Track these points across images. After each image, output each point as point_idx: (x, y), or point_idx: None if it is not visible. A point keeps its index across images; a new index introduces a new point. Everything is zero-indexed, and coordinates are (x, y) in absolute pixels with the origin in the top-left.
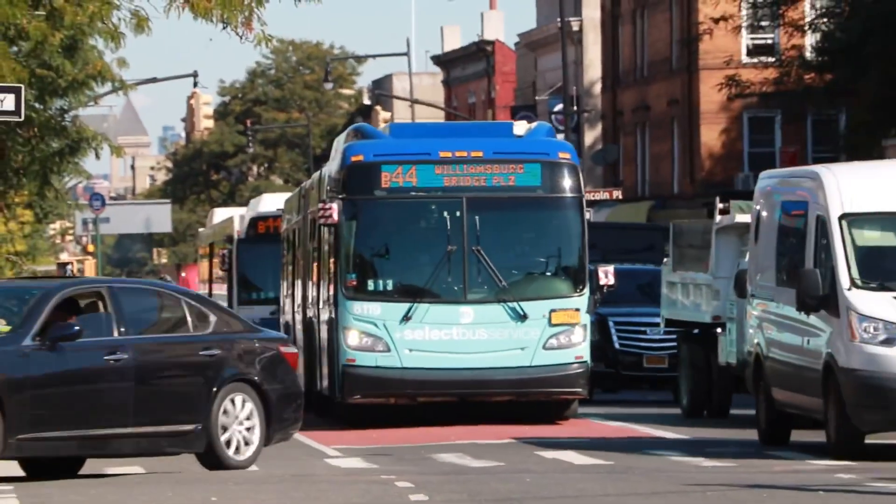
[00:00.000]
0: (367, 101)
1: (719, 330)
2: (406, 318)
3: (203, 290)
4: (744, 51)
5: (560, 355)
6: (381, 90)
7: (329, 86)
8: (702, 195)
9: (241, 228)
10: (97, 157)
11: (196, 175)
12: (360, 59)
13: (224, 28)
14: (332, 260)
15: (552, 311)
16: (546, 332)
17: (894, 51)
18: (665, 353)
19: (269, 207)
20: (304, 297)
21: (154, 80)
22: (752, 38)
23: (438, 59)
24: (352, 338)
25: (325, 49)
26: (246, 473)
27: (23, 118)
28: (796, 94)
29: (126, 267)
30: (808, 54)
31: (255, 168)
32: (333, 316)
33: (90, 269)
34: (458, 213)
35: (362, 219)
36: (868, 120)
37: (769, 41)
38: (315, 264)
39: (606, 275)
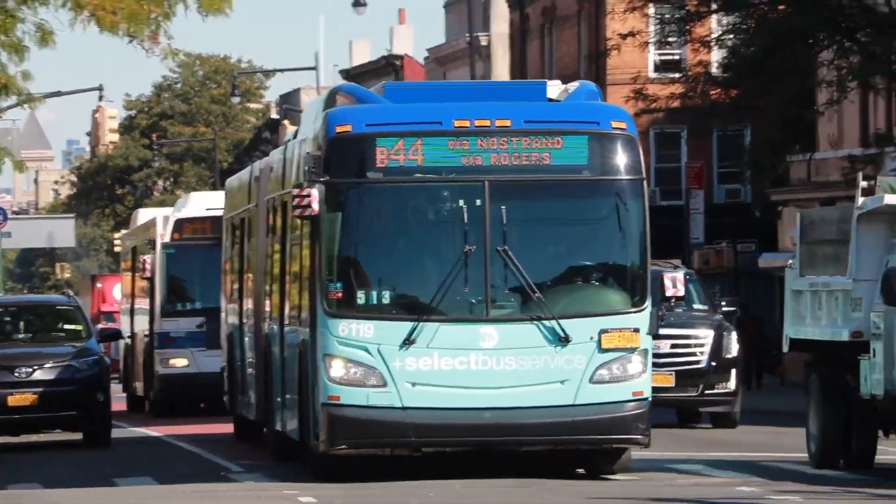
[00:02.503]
0: (274, 116)
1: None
2: (408, 341)
3: (126, 304)
4: (651, 66)
5: (612, 391)
6: (290, 104)
7: (236, 100)
8: None
9: (166, 232)
10: None
11: (101, 189)
12: (267, 74)
13: (130, 42)
14: (307, 264)
15: (602, 331)
16: (594, 361)
17: (798, 68)
18: (671, 371)
19: (197, 208)
20: (259, 309)
21: (59, 93)
22: (660, 54)
23: (347, 73)
24: (336, 368)
25: (233, 63)
26: (147, 490)
27: None
28: (702, 110)
29: (29, 282)
30: (714, 70)
31: (160, 182)
32: (309, 338)
33: None
34: (478, 202)
35: (351, 209)
36: (772, 136)
37: (676, 57)
38: (277, 267)
39: (674, 283)
